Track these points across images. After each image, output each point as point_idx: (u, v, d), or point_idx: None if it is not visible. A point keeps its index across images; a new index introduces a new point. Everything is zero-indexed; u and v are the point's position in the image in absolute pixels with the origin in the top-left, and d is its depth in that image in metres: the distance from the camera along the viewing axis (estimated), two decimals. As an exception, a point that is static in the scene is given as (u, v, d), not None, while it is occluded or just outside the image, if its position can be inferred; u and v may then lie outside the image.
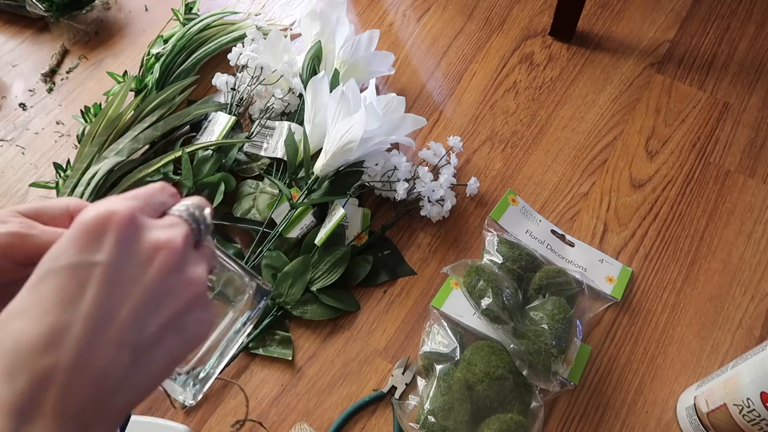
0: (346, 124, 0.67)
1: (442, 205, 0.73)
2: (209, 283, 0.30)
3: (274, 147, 0.77)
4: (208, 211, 0.30)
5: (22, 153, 0.82)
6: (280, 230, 0.70)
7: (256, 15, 0.94)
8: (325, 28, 0.79)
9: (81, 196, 0.71)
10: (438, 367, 0.62)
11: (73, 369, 0.23)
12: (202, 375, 0.33)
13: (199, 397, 0.33)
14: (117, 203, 0.26)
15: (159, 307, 0.26)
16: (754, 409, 0.52)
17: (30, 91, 0.87)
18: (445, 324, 0.66)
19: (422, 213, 0.73)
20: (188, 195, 0.73)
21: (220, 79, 0.80)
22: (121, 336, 0.24)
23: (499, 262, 0.67)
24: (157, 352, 0.26)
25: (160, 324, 0.26)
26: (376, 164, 0.73)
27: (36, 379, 0.23)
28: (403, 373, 0.65)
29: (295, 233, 0.71)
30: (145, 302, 0.25)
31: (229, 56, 0.81)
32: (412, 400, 0.62)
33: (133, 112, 0.77)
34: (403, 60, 0.89)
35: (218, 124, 0.77)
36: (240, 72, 0.80)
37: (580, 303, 0.66)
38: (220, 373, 0.34)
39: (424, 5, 0.95)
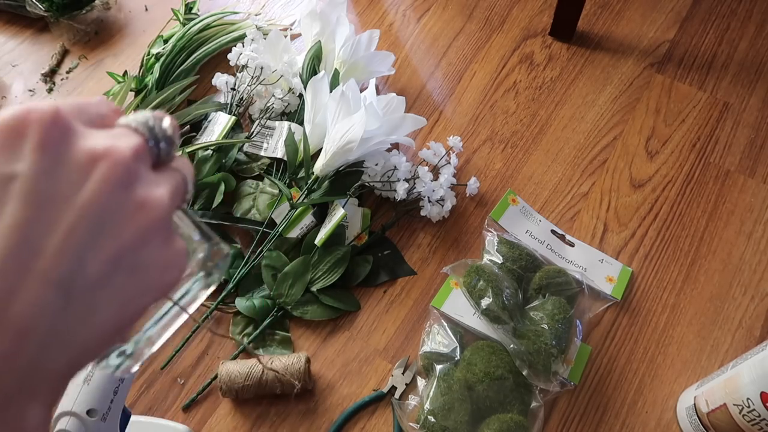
0: (346, 124, 0.67)
1: (442, 205, 0.73)
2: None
3: (274, 147, 0.77)
4: (168, 122, 0.23)
5: (22, 153, 0.82)
6: (280, 230, 0.70)
7: (256, 15, 0.94)
8: (325, 28, 0.79)
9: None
10: (438, 367, 0.62)
11: None
12: (129, 350, 0.25)
13: (120, 375, 0.26)
14: (38, 103, 0.20)
15: (101, 236, 0.19)
16: (754, 409, 0.52)
17: (30, 91, 0.87)
18: (445, 324, 0.66)
19: (422, 213, 0.73)
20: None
21: (220, 79, 0.80)
22: (48, 272, 0.18)
23: (499, 262, 0.67)
24: (102, 296, 0.20)
25: (104, 259, 0.19)
26: (376, 164, 0.72)
27: None
28: (403, 373, 0.65)
29: (295, 233, 0.71)
30: (80, 228, 0.19)
31: (229, 56, 0.81)
32: (412, 400, 0.62)
33: (133, 112, 0.77)
34: (403, 60, 0.89)
35: (218, 124, 0.77)
36: (240, 72, 0.80)
37: (580, 303, 0.66)
38: (153, 352, 0.26)
39: (424, 5, 0.95)
